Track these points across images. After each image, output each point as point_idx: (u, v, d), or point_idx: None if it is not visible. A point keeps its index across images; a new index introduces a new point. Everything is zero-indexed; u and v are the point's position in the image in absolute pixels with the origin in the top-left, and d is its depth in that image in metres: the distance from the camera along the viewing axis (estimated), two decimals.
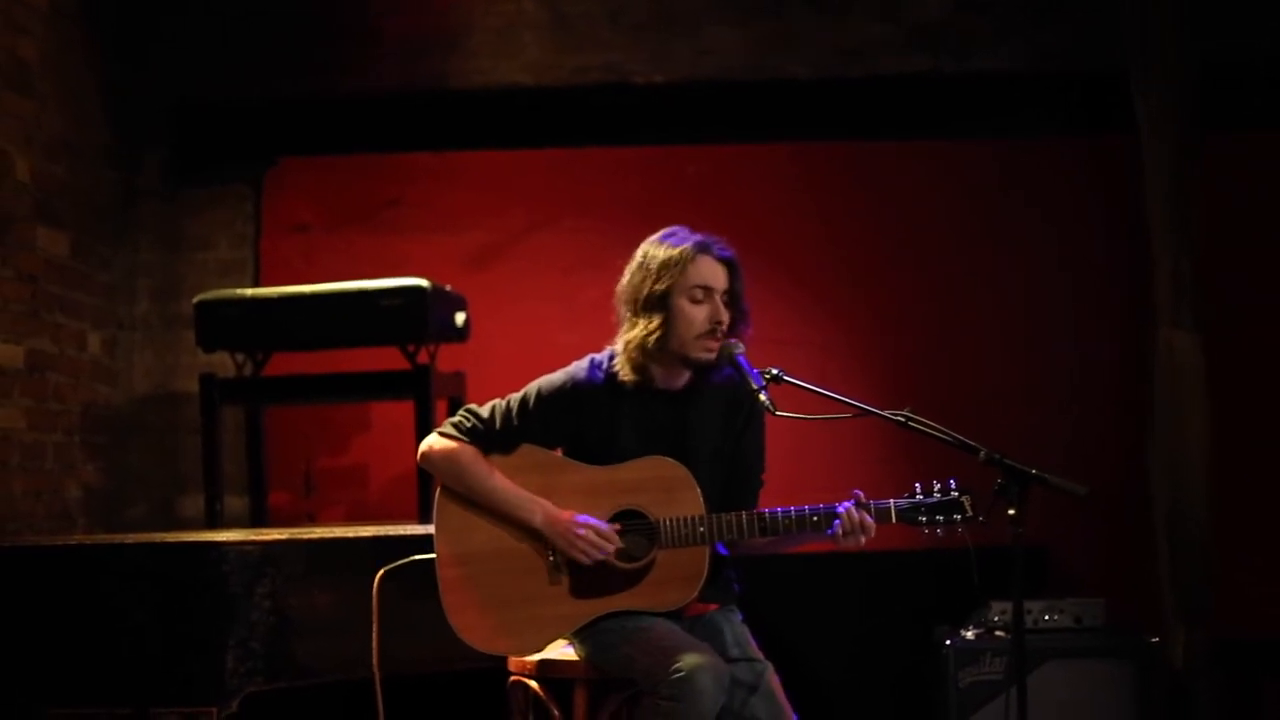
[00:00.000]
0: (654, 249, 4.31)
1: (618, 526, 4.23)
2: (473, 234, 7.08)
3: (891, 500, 4.21)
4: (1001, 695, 5.74)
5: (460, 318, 6.39)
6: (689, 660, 4.00)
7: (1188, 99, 6.45)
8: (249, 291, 6.39)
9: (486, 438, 4.31)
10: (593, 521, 4.21)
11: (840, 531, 4.16)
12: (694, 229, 4.37)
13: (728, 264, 4.30)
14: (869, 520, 4.16)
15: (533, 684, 4.37)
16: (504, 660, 4.44)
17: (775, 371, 4.23)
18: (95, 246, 6.77)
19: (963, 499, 4.20)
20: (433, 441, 4.35)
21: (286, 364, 6.56)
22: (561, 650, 4.38)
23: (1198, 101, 6.46)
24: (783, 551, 4.42)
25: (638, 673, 4.10)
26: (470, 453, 4.30)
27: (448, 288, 6.35)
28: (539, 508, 4.25)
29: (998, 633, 5.92)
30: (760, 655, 4.29)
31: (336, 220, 7.13)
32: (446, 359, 6.43)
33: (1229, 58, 6.74)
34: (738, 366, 4.23)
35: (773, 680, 4.22)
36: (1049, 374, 6.97)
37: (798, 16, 7.09)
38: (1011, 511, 3.88)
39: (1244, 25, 6.84)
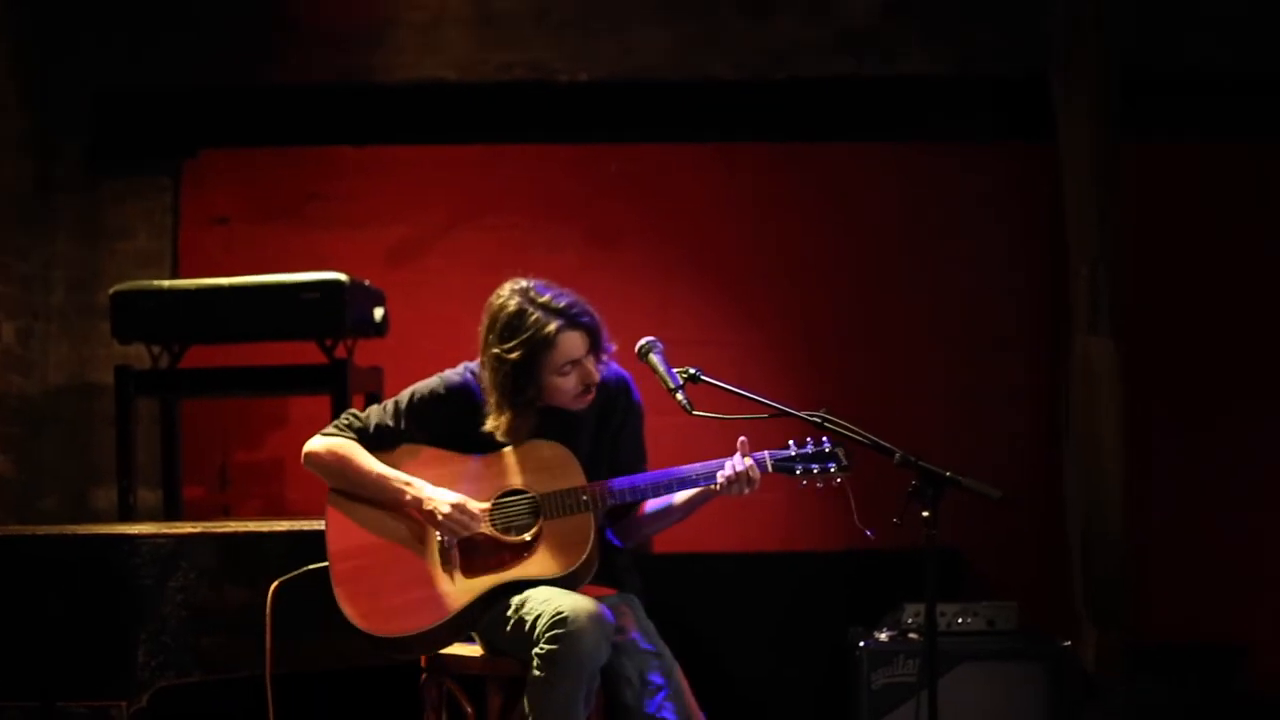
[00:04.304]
0: (509, 332, 4.19)
1: (487, 506, 4.22)
2: (394, 229, 7.06)
3: (766, 451, 4.22)
4: (914, 698, 5.76)
5: (379, 313, 6.35)
6: (566, 602, 4.01)
7: (1106, 104, 6.51)
8: (166, 283, 6.34)
9: (365, 436, 4.34)
10: (456, 499, 4.20)
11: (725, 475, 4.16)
12: (542, 281, 4.26)
13: (589, 330, 4.23)
14: (747, 462, 4.16)
15: (445, 681, 4.35)
16: (418, 659, 4.42)
17: (693, 371, 4.25)
18: (10, 236, 6.69)
19: (836, 450, 4.22)
20: (315, 441, 4.37)
21: (203, 357, 6.49)
22: (472, 647, 4.36)
23: (1117, 108, 6.53)
24: (665, 528, 4.45)
25: (526, 633, 4.07)
26: (351, 444, 4.32)
27: (366, 282, 6.31)
28: (409, 488, 4.24)
29: (911, 635, 5.94)
30: (667, 650, 4.25)
31: (257, 213, 7.08)
32: (364, 354, 6.39)
33: (1150, 69, 6.81)
34: (654, 366, 4.24)
35: (680, 676, 4.19)
36: (967, 377, 7.01)
37: (724, 18, 7.11)
38: (925, 514, 3.90)
39: (1166, 37, 6.91)
